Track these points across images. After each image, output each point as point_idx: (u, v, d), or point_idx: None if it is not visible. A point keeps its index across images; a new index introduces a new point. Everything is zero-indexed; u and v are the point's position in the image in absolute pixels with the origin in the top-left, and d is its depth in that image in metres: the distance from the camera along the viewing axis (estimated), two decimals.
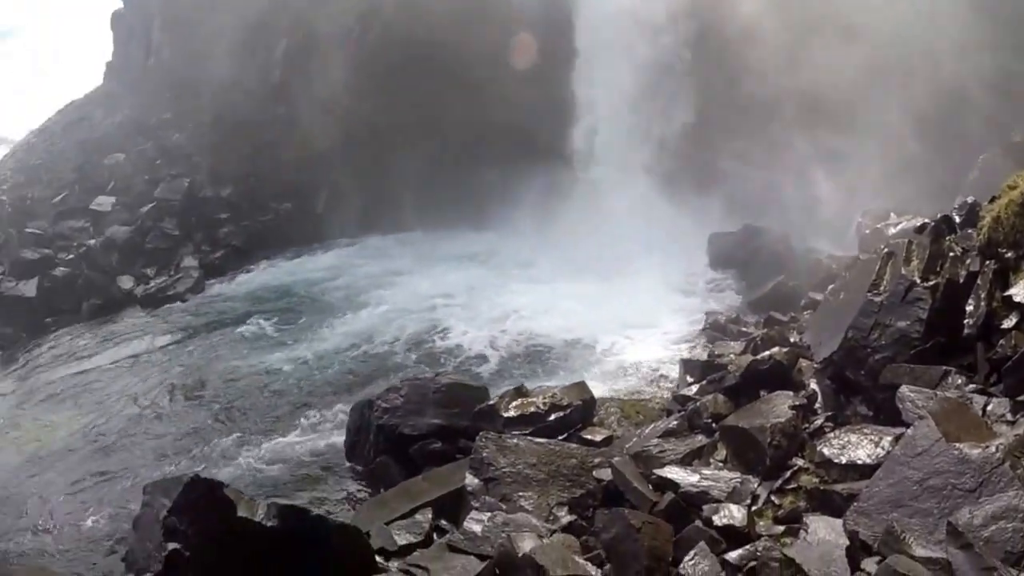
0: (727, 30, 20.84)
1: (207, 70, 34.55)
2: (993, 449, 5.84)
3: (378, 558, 7.66)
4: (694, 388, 10.69)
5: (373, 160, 27.85)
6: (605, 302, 17.94)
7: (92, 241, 29.38)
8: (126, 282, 27.24)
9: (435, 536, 8.27)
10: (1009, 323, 7.60)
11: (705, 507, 7.21)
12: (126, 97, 39.60)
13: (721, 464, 8.31)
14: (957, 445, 6.01)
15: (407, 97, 27.48)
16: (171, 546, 7.06)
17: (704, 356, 12.20)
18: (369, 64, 28.78)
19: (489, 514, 7.94)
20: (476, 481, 8.77)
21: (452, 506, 8.81)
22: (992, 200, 8.85)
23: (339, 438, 12.50)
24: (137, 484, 12.68)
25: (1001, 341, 7.56)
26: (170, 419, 15.79)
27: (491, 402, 11.25)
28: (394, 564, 7.54)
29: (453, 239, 25.85)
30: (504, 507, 8.20)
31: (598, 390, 12.09)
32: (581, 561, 6.80)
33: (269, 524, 7.04)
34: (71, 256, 28.73)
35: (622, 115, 23.25)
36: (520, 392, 11.42)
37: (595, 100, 23.73)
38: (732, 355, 11.69)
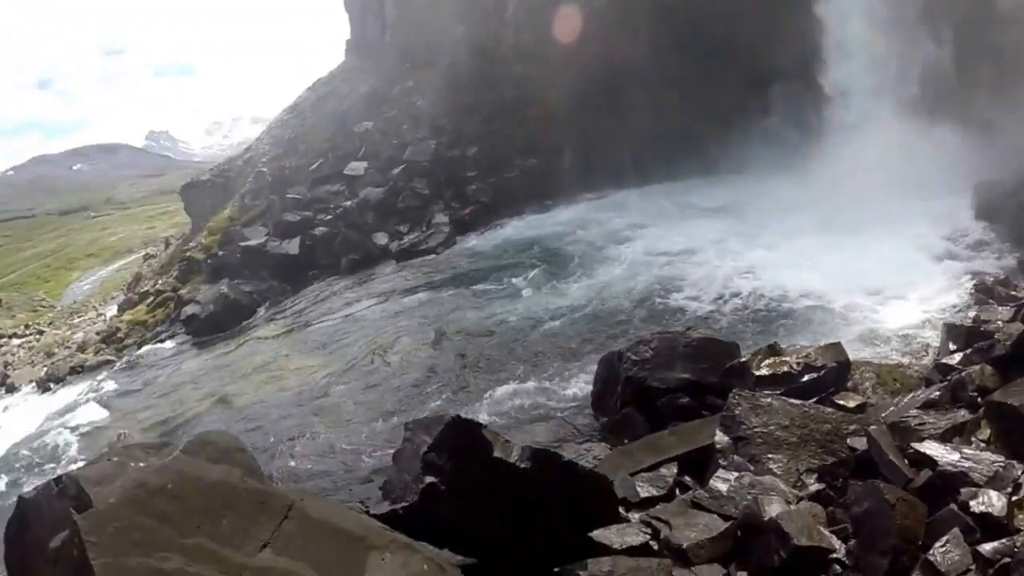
0: None
1: (441, 38, 35.88)
2: None
3: (619, 508, 7.61)
4: (957, 357, 9.88)
5: (616, 113, 27.74)
6: (857, 257, 16.80)
7: (348, 203, 31.81)
8: (381, 238, 29.23)
9: (677, 492, 8.19)
10: None
11: (963, 490, 6.68)
12: (367, 70, 42.13)
13: (983, 444, 7.60)
14: None
15: (649, 44, 27.14)
16: (428, 479, 7.38)
17: (969, 322, 11.19)
18: (605, 12, 28.61)
19: (736, 474, 7.77)
20: (726, 439, 8.53)
21: (698, 463, 8.64)
22: None
23: (586, 388, 12.64)
24: (395, 422, 13.68)
25: None
26: (423, 364, 16.66)
27: (742, 359, 10.88)
28: (635, 515, 7.55)
29: (696, 191, 25.39)
30: (752, 468, 7.98)
31: (852, 353, 11.28)
32: (826, 533, 6.58)
33: (522, 465, 7.17)
34: (329, 217, 31.30)
35: (876, 49, 21.72)
36: (773, 350, 10.96)
37: (846, 33, 22.39)
38: (1000, 322, 10.67)
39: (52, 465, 19.30)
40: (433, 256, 26.74)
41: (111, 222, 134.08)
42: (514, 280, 21.03)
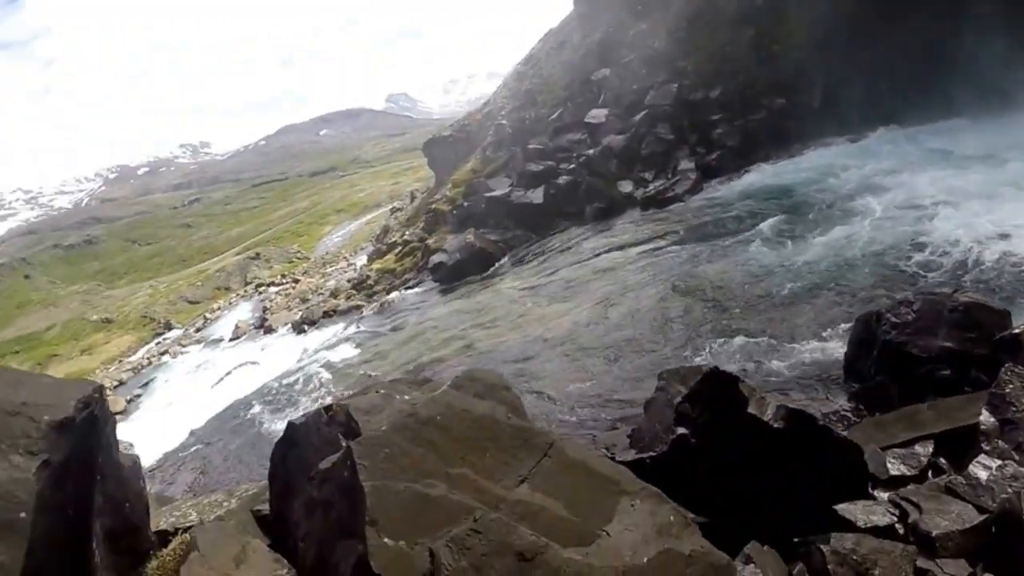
0: None
1: None
2: None
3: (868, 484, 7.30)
4: None
5: (875, 43, 25.66)
6: None
7: (590, 151, 32.08)
8: (625, 186, 29.27)
9: (930, 474, 7.61)
10: None
11: None
12: (599, 16, 41.62)
13: None
14: None
15: None
16: (680, 431, 7.45)
17: None
18: None
19: (999, 462, 7.02)
20: (992, 420, 7.66)
21: (957, 444, 7.87)
22: None
23: (837, 349, 11.97)
24: (640, 370, 13.94)
25: None
26: (667, 314, 16.61)
27: (1015, 330, 9.53)
28: (883, 494, 7.13)
29: (959, 134, 22.88)
30: (1017, 457, 7.19)
31: None
32: None
33: (775, 425, 7.08)
34: (572, 166, 31.77)
35: None
36: None
37: None
38: None
39: (305, 398, 21.36)
40: (679, 204, 26.41)
41: (358, 180, 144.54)
42: (761, 230, 20.25)
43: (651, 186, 28.62)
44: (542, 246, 28.90)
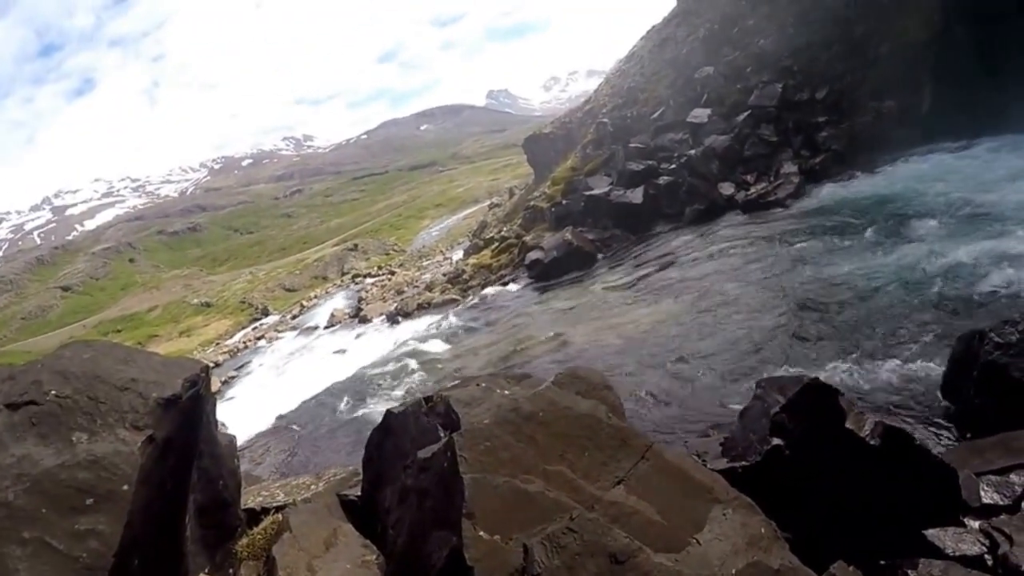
0: None
1: None
2: None
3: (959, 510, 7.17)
4: None
5: (988, 43, 24.70)
6: None
7: (692, 151, 31.87)
8: (727, 188, 29.00)
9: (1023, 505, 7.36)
10: None
11: None
12: (704, 12, 41.10)
13: None
14: None
15: None
16: (775, 441, 7.44)
17: None
18: None
19: None
20: None
21: None
22: None
23: (936, 368, 11.70)
24: (733, 379, 13.93)
25: None
26: (764, 322, 16.47)
27: None
28: (974, 522, 7.00)
29: None
30: None
31: None
32: None
33: (872, 442, 7.03)
34: (673, 166, 31.63)
35: None
36: None
37: None
38: None
39: (396, 387, 21.89)
40: (781, 208, 26.03)
41: (457, 175, 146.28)
42: (862, 239, 19.80)
43: (752, 189, 28.27)
44: (640, 246, 28.83)
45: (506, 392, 7.35)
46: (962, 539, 6.61)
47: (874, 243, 19.31)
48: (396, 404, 9.53)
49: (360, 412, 21.35)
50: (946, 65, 25.88)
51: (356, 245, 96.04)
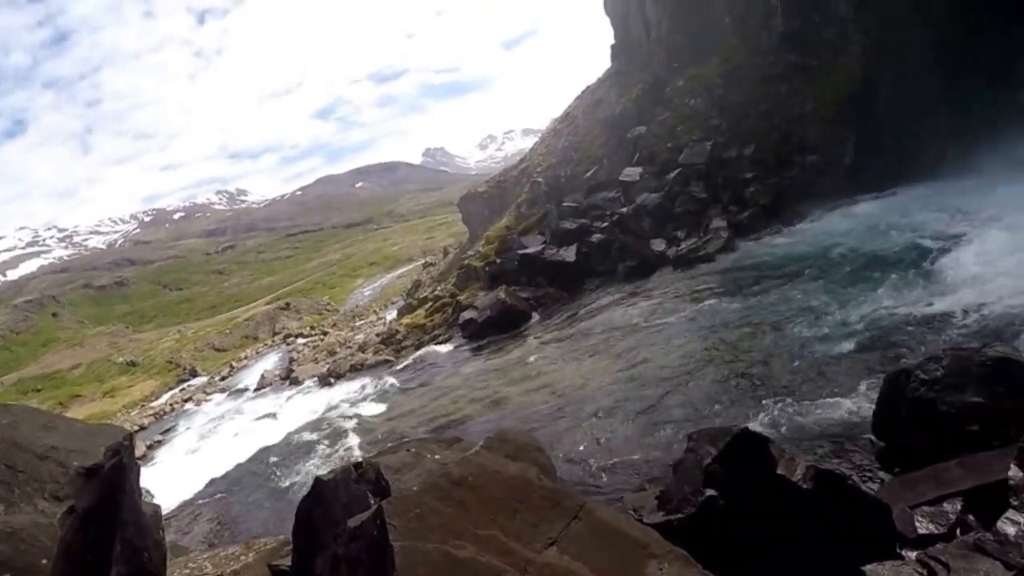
0: None
1: (709, 33, 35.21)
2: None
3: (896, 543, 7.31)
4: None
5: (904, 100, 26.12)
6: None
7: (624, 209, 32.48)
8: (658, 245, 29.50)
9: (959, 531, 7.57)
10: None
11: None
12: (636, 73, 42.38)
13: None
14: None
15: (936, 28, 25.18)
16: (708, 492, 7.50)
17: None
18: None
19: None
20: (1021, 475, 7.62)
21: (986, 501, 7.78)
22: None
23: (866, 407, 11.97)
24: (670, 431, 13.85)
25: None
26: (701, 373, 16.54)
27: None
28: (911, 553, 7.11)
29: (1010, 186, 22.42)
30: None
31: None
32: None
33: (804, 486, 7.12)
34: (605, 224, 32.10)
35: None
36: None
37: None
38: None
39: (329, 452, 21.40)
40: (711, 263, 26.49)
41: (392, 233, 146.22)
42: (794, 289, 20.31)
43: (683, 245, 28.76)
44: (573, 304, 28.94)
45: (436, 456, 7.38)
46: (900, 571, 6.66)
47: (800, 292, 19.85)
48: (327, 470, 9.34)
49: (291, 479, 20.74)
50: (867, 120, 27.28)
51: (288, 304, 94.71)
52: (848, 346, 15.50)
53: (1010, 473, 7.75)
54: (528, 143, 70.14)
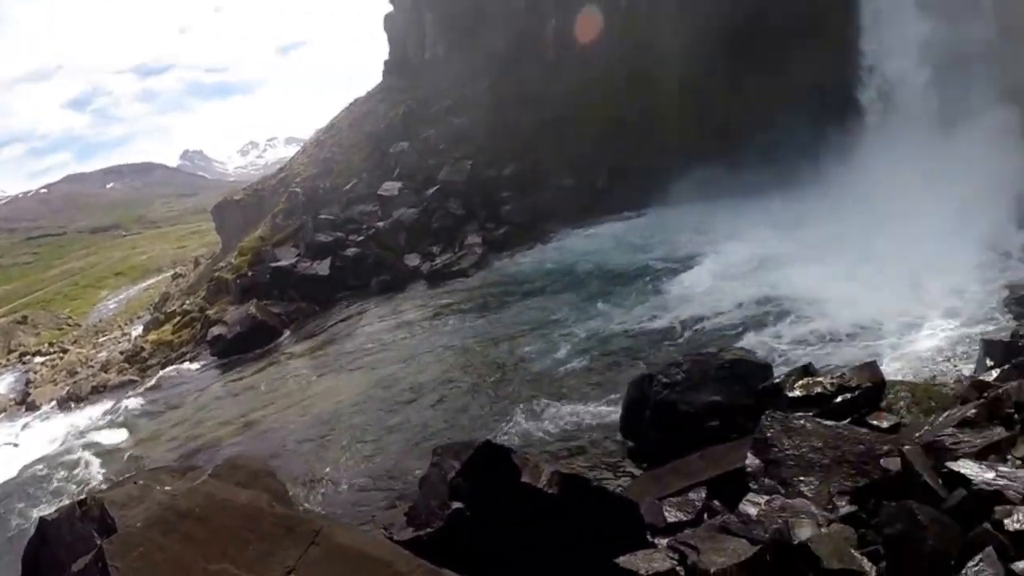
0: None
1: (483, 57, 36.12)
2: None
3: (647, 534, 7.59)
4: (995, 373, 9.64)
5: (653, 131, 28.00)
6: (897, 274, 16.57)
7: (381, 223, 32.16)
8: (413, 259, 29.45)
9: (706, 516, 8.07)
10: None
11: (997, 508, 6.44)
12: (407, 90, 42.58)
13: (1020, 462, 7.38)
14: None
15: (682, 66, 27.32)
16: (455, 505, 7.49)
17: (1007, 337, 10.93)
18: (638, 35, 28.93)
19: (766, 497, 7.65)
20: (756, 462, 8.34)
21: (727, 487, 8.46)
22: None
23: (616, 412, 12.46)
24: (419, 446, 13.69)
25: None
26: (453, 387, 16.61)
27: (776, 380, 10.66)
28: (662, 541, 7.44)
29: (743, 205, 24.82)
30: (783, 491, 7.85)
31: (888, 371, 11.22)
32: (857, 555, 6.40)
33: (550, 491, 7.21)
34: (361, 238, 31.65)
35: (911, 72, 22.21)
36: (807, 371, 10.68)
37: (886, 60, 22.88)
38: None
39: (71, 486, 19.40)
40: (465, 278, 26.74)
41: (141, 241, 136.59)
42: (544, 303, 20.99)
43: (438, 260, 28.92)
44: (326, 320, 28.17)
45: (167, 488, 7.12)
46: (653, 558, 6.88)
47: (549, 306, 20.61)
48: (55, 508, 8.50)
49: (22, 518, 18.46)
50: (620, 147, 29.10)
51: (26, 317, 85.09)
52: (594, 355, 16.26)
53: (747, 461, 8.45)
54: (291, 152, 67.77)
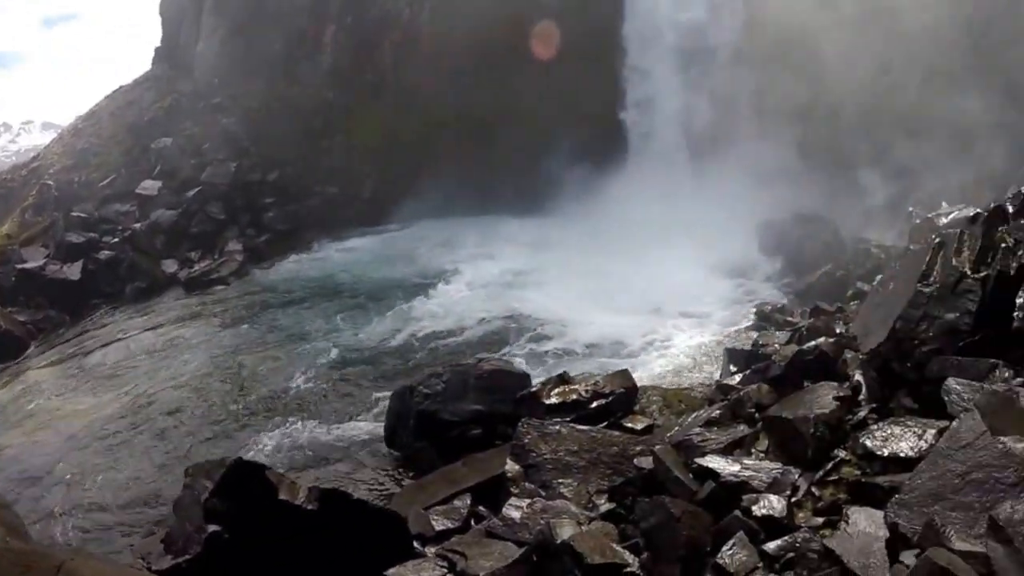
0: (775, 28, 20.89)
1: (259, 55, 34.85)
2: None
3: (415, 543, 7.68)
4: (738, 378, 10.56)
5: (420, 145, 28.09)
6: (651, 290, 17.83)
7: (138, 225, 29.81)
8: (170, 265, 27.54)
9: (473, 522, 8.26)
10: None
11: (744, 497, 7.12)
12: (175, 82, 40.04)
13: (763, 454, 8.18)
14: (1002, 439, 5.90)
15: (455, 82, 27.74)
16: (211, 528, 7.20)
17: (749, 345, 11.99)
18: (417, 48, 29.09)
19: (528, 501, 7.90)
20: (516, 467, 8.71)
21: (491, 492, 8.75)
22: None
23: (380, 423, 12.49)
24: (178, 466, 12.74)
25: None
26: (211, 402, 15.86)
27: (533, 388, 11.15)
28: (431, 549, 7.54)
29: (502, 224, 25.63)
30: (543, 494, 8.17)
31: (641, 378, 12.01)
32: (619, 549, 6.77)
33: (309, 507, 7.11)
34: (116, 240, 29.16)
35: (668, 99, 23.67)
36: (563, 379, 11.32)
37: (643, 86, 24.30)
38: (777, 345, 11.48)
39: None
40: (224, 286, 25.51)
41: None
42: (303, 315, 20.55)
43: (197, 267, 27.33)
44: (77, 329, 25.73)
45: None
46: (422, 568, 6.99)
47: (310, 316, 20.24)
48: None
49: None
50: (388, 160, 28.97)
51: None
52: (356, 367, 16.20)
53: (507, 467, 8.82)
54: (47, 138, 61.56)
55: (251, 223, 29.22)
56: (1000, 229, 8.79)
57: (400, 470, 11.02)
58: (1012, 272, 8.12)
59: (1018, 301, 7.88)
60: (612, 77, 24.84)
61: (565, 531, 6.70)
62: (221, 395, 16.08)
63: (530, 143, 25.23)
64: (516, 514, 7.62)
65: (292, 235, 28.47)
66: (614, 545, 6.83)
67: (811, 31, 19.64)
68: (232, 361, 17.97)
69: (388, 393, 13.06)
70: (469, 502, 8.61)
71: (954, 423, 6.45)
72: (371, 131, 29.92)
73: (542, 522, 7.08)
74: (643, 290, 17.88)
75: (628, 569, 6.61)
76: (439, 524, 8.18)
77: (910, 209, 15.73)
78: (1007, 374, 7.40)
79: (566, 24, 25.08)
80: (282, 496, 7.13)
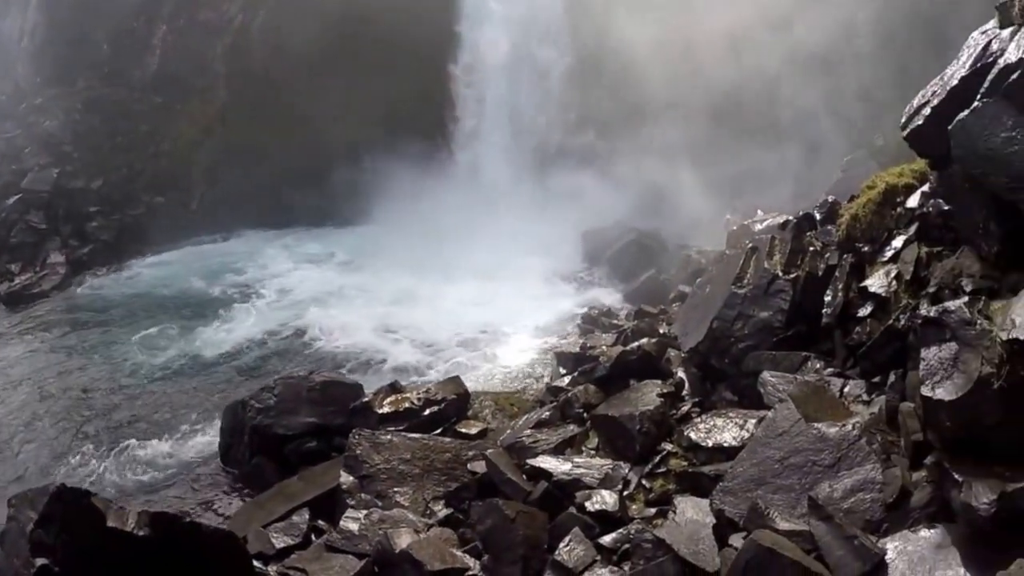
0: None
1: (84, 54, 32.96)
2: (850, 427, 6.43)
3: (256, 562, 7.56)
4: (566, 380, 11.03)
5: (250, 153, 27.25)
6: (480, 298, 18.18)
7: None
8: None
9: (313, 537, 8.22)
10: (864, 311, 8.15)
11: (578, 494, 7.47)
12: (7, 78, 37.39)
13: (593, 452, 8.62)
14: (816, 425, 6.56)
15: (287, 89, 27.18)
16: (39, 561, 6.83)
17: (576, 348, 12.43)
18: (249, 54, 28.38)
19: (365, 512, 7.95)
20: (351, 479, 8.75)
21: (329, 505, 8.74)
22: (851, 199, 9.53)
23: (214, 440, 12.25)
24: (2, 497, 12.12)
25: (857, 328, 8.15)
26: (32, 426, 15.03)
27: (365, 399, 11.22)
28: (273, 568, 7.48)
29: (331, 235, 25.48)
30: (380, 504, 8.24)
31: (472, 384, 12.27)
32: (459, 554, 6.99)
33: (140, 533, 6.87)
34: None
35: (500, 108, 24.06)
36: (394, 388, 11.49)
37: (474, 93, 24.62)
38: (604, 347, 12.01)
39: None
40: (45, 300, 24.03)
41: None
42: (130, 329, 19.69)
43: (16, 280, 25.51)
44: None
45: None
46: None
47: (138, 331, 19.42)
48: None
49: None
50: (217, 169, 27.95)
51: None
52: (187, 383, 15.78)
53: (341, 479, 8.90)
54: None
55: (74, 233, 27.57)
56: (808, 234, 9.68)
57: (237, 487, 10.79)
58: (820, 273, 9.03)
59: (826, 299, 8.69)
60: (443, 81, 25.09)
61: (403, 540, 6.86)
62: (43, 418, 15.25)
63: (364, 147, 25.26)
64: (354, 526, 7.66)
65: (117, 246, 26.96)
66: (454, 550, 7.03)
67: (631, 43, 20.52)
68: (53, 381, 17.08)
69: (221, 409, 12.80)
70: (308, 517, 8.55)
71: (771, 413, 7.07)
72: (197, 138, 28.92)
73: (380, 532, 7.23)
74: (465, 300, 18.25)
75: (469, 572, 6.84)
76: (279, 541, 8.11)
77: (727, 216, 16.93)
78: (818, 365, 8.24)
79: (397, 28, 25.04)
80: (111, 523, 6.84)
